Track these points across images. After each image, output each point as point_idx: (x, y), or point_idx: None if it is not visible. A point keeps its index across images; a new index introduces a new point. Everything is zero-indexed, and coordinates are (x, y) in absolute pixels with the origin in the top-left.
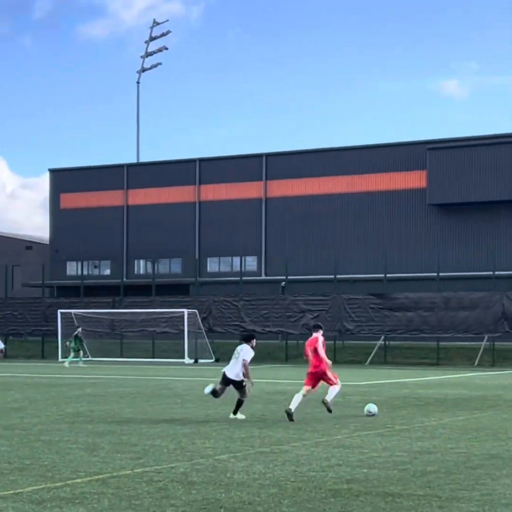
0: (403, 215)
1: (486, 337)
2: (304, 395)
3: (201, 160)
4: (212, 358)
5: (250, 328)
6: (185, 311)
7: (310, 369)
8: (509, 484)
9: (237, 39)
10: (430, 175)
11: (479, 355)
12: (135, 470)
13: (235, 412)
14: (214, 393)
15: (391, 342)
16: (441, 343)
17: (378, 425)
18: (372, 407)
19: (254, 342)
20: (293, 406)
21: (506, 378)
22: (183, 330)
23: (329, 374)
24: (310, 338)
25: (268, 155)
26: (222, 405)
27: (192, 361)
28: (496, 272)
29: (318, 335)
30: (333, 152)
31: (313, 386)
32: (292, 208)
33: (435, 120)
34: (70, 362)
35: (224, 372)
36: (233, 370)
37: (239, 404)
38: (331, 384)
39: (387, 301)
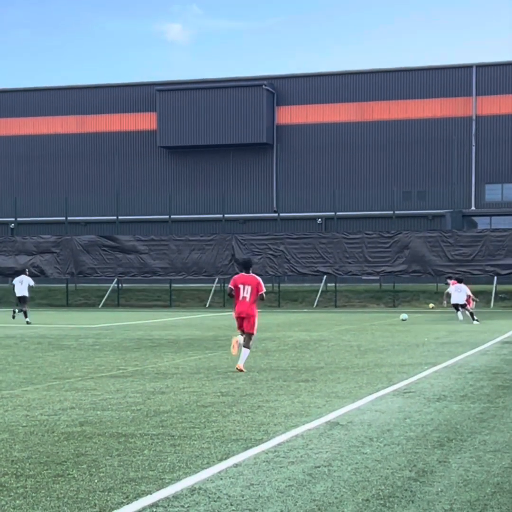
0: (135, 157)
1: (217, 279)
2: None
3: None
4: None
5: None
6: None
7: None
8: (239, 420)
9: None
10: (159, 117)
11: (210, 297)
12: None
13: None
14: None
15: (124, 285)
16: (173, 285)
17: (111, 367)
18: (405, 316)
19: (463, 283)
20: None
21: None
22: None
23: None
24: (460, 285)
25: None
26: None
27: None
28: (226, 215)
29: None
30: (61, 91)
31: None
32: (17, 148)
33: (161, 64)
34: None
35: (453, 304)
36: (456, 298)
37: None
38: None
39: (119, 244)
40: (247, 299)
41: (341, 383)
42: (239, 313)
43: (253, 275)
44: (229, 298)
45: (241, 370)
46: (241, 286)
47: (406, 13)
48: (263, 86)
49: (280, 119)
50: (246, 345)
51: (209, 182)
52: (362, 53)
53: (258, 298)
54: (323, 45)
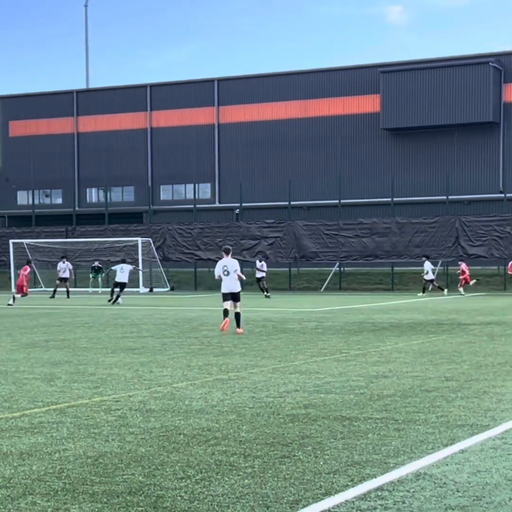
0: (357, 140)
1: (440, 262)
2: None
3: (152, 85)
4: (167, 287)
5: (205, 257)
6: (139, 239)
7: None
8: (464, 406)
9: None
10: (383, 99)
11: None
12: (93, 399)
13: None
14: None
15: (346, 268)
16: (395, 268)
17: (334, 350)
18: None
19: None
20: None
21: (460, 302)
22: (138, 259)
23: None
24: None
25: (219, 80)
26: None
27: (147, 290)
28: (450, 196)
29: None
30: (286, 77)
31: None
32: (245, 134)
33: (383, 46)
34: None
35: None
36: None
37: None
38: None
39: (342, 227)
40: None
41: None
42: None
43: None
44: None
45: None
46: None
47: None
48: (490, 63)
49: (508, 97)
50: None
51: (432, 163)
52: None
53: None
54: None
